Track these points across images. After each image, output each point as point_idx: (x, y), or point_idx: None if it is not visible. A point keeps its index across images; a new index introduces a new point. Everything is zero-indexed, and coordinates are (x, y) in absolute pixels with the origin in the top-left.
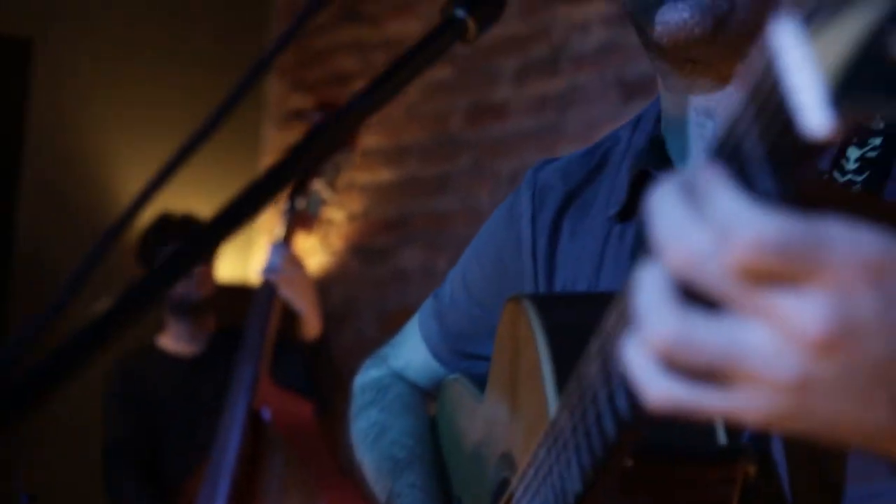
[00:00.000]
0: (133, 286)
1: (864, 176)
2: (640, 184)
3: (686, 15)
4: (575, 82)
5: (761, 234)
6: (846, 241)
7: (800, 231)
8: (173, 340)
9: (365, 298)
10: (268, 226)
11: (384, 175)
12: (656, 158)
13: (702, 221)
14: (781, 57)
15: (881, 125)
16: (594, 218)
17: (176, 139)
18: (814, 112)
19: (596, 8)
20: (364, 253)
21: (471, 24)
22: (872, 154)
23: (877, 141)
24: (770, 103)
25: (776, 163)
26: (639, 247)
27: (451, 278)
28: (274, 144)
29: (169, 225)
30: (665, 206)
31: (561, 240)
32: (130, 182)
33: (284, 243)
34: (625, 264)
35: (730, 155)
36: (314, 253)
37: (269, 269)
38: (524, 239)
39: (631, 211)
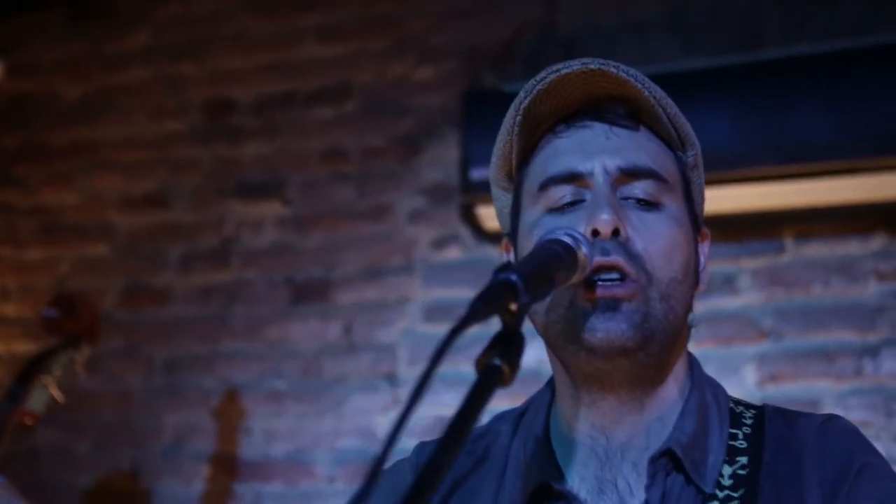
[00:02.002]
0: None
1: (740, 492)
2: (537, 493)
3: (624, 326)
4: (243, 278)
5: None
6: None
7: None
8: None
9: None
10: None
11: (23, 347)
12: (549, 469)
13: None
14: None
15: (745, 444)
16: None
17: None
18: None
19: (270, 208)
20: None
21: (505, 369)
22: (742, 472)
23: (744, 459)
24: None
25: None
26: None
27: None
28: None
29: None
30: None
31: None
32: None
33: None
34: None
35: None
36: None
37: None
38: None
39: None
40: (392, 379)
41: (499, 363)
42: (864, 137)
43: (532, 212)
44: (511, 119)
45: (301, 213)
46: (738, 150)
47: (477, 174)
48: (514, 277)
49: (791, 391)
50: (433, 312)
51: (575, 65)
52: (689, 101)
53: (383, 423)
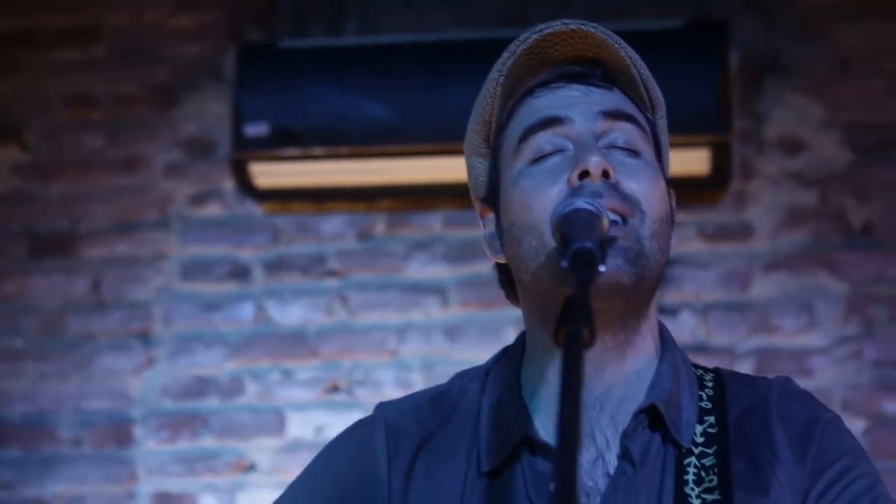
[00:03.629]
0: None
1: (713, 448)
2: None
3: (621, 262)
4: None
5: None
6: None
7: None
8: None
9: None
10: None
11: None
12: (527, 423)
13: None
14: None
15: (709, 405)
16: (451, 464)
17: None
18: None
19: (7, 154)
20: None
21: (586, 333)
22: (712, 430)
23: (711, 419)
24: None
25: None
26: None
27: None
28: None
29: None
30: None
31: (414, 480)
32: None
33: None
34: None
35: None
36: None
37: None
38: (380, 479)
39: (500, 471)
40: (146, 338)
41: (580, 330)
42: None
43: (514, 165)
44: (494, 81)
45: (43, 161)
46: None
47: (251, 130)
48: (590, 245)
49: None
50: (190, 270)
51: (556, 25)
52: (455, 69)
53: (136, 384)
